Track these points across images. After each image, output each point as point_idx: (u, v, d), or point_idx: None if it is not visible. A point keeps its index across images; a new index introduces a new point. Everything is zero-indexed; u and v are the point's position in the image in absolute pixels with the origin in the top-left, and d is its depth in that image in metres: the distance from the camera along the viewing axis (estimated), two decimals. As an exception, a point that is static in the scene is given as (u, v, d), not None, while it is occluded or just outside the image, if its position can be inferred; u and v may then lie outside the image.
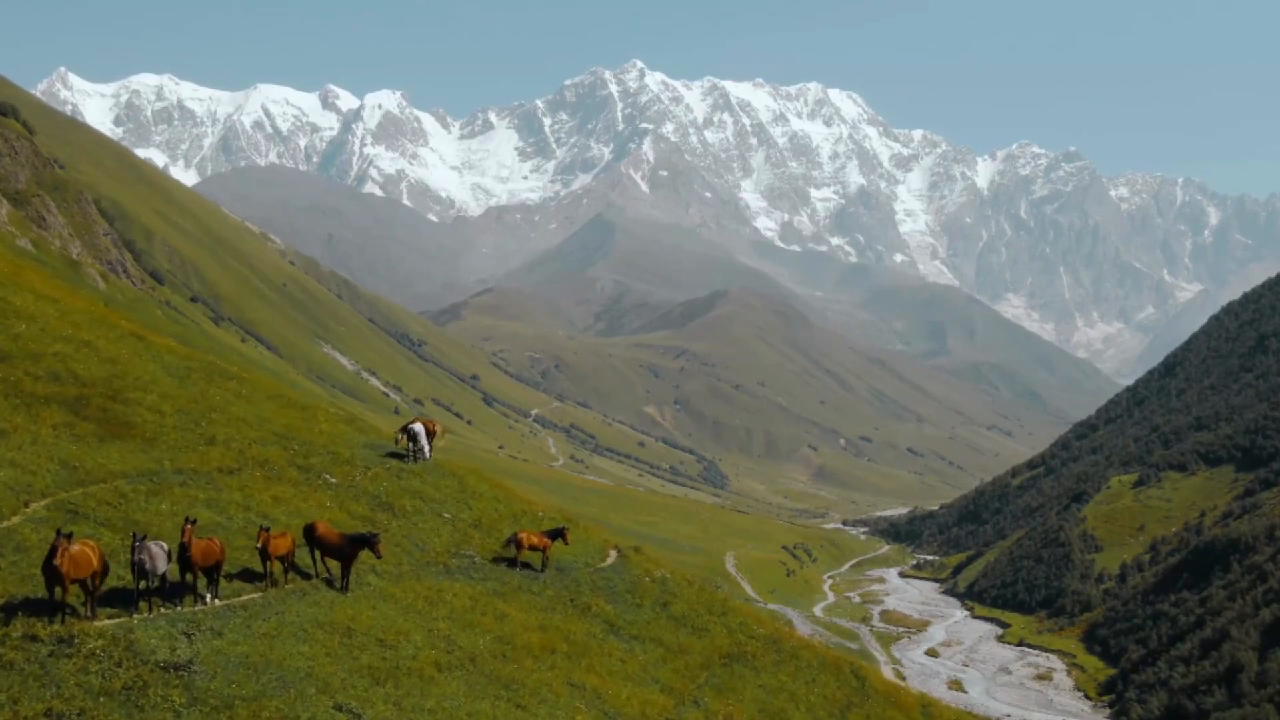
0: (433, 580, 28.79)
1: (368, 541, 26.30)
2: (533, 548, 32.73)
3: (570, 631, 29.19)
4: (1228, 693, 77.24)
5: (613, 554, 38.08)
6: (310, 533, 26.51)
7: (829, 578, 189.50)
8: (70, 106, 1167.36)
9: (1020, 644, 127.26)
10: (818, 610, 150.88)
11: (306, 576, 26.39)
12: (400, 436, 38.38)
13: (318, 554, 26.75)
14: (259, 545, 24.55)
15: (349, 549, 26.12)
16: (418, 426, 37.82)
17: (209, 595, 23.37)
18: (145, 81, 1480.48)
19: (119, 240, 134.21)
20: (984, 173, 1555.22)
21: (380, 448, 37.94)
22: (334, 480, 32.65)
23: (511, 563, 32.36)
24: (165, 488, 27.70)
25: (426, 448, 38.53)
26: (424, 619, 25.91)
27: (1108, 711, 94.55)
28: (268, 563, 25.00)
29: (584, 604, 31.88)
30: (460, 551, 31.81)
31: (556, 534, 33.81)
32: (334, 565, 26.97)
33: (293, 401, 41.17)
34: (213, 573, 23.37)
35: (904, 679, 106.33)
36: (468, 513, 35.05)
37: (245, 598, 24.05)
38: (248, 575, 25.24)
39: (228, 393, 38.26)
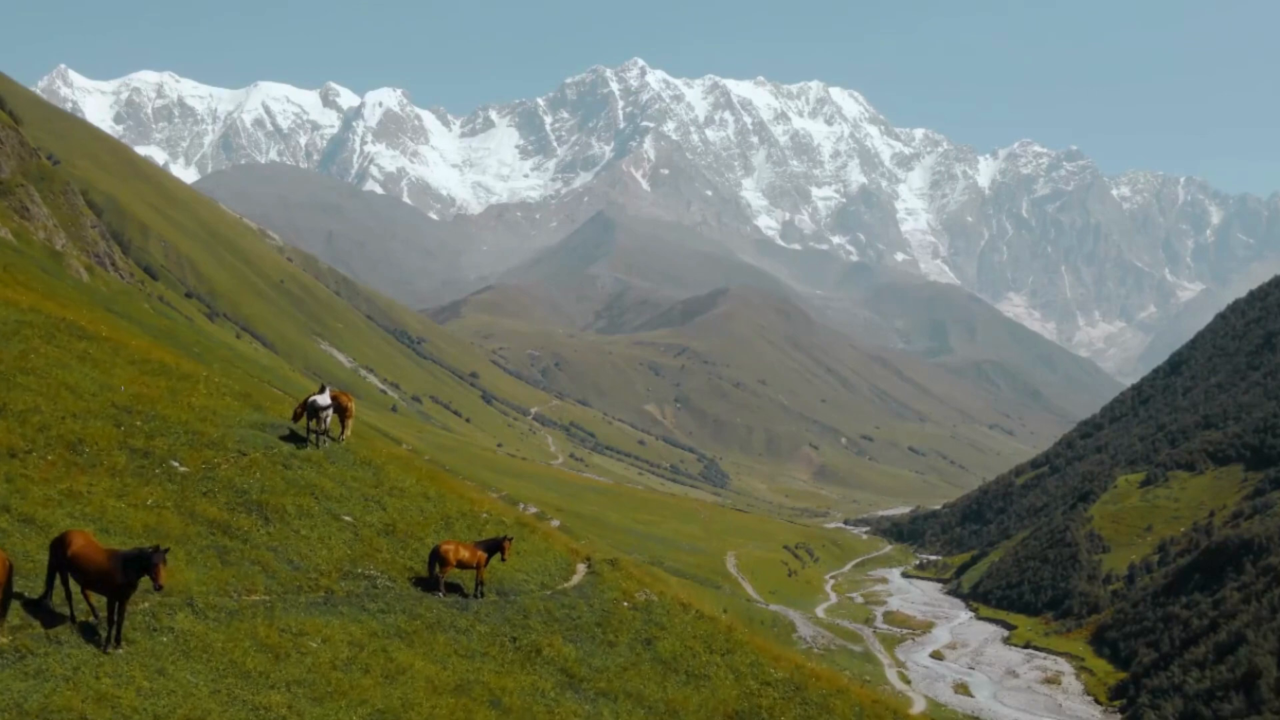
0: (297, 616, 19.99)
1: (145, 562, 16.90)
2: (461, 564, 24.32)
3: (503, 690, 20.41)
4: (1245, 699, 74.88)
5: (581, 569, 29.06)
6: (60, 550, 17.22)
7: (831, 578, 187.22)
8: (70, 104, 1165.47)
9: (1027, 646, 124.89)
10: (820, 611, 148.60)
11: (62, 620, 17.32)
12: (299, 412, 29.27)
13: (74, 583, 17.54)
14: None
15: (122, 575, 16.89)
16: (323, 399, 29.05)
17: None
18: (146, 79, 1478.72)
19: (107, 233, 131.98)
20: (985, 171, 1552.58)
21: (277, 429, 29.49)
22: (183, 469, 24.28)
23: (431, 585, 23.93)
24: None
25: (343, 428, 30.44)
26: (252, 688, 17.00)
27: (1120, 717, 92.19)
28: None
29: (531, 645, 23.00)
30: (356, 570, 23.13)
31: (494, 546, 25.16)
32: (101, 601, 17.69)
33: (166, 369, 32.63)
34: None
35: (909, 682, 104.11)
36: (378, 515, 26.40)
37: None
38: None
39: (69, 354, 29.75)
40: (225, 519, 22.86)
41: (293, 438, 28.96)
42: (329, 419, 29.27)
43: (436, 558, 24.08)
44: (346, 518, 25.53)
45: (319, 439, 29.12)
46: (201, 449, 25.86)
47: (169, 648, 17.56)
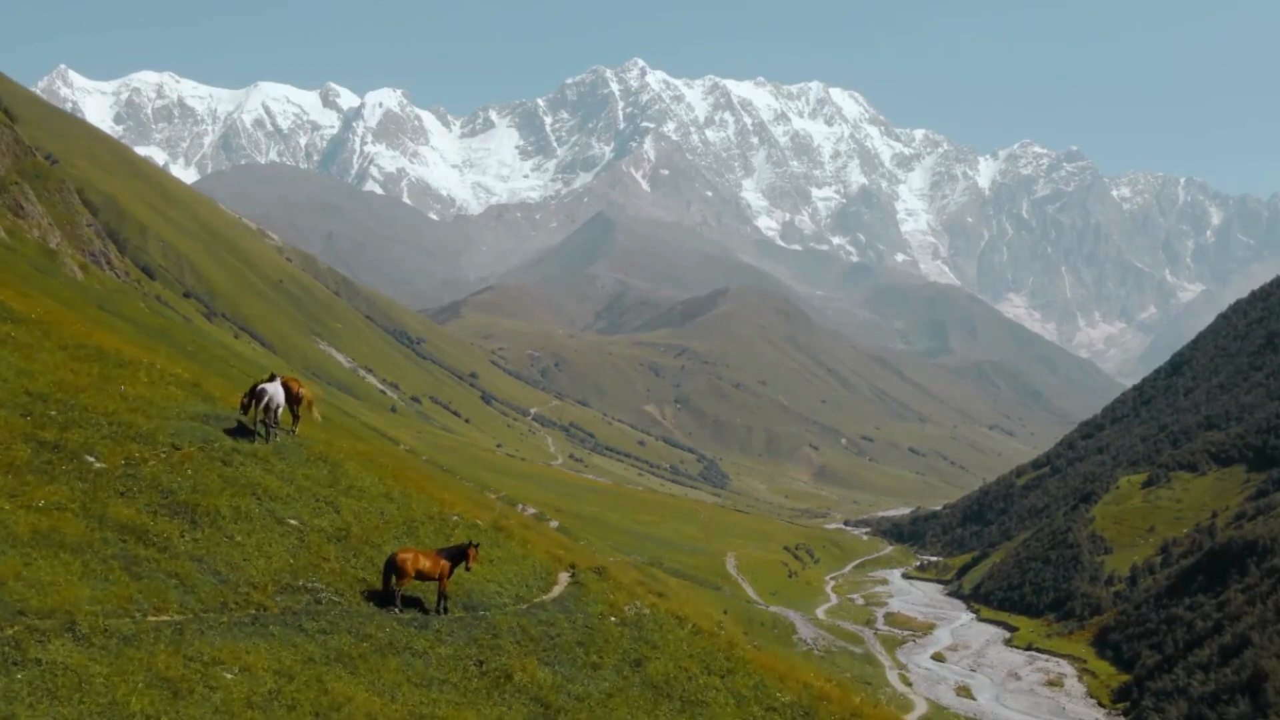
0: (213, 640, 16.71)
1: None
2: (421, 575, 21.29)
3: None
4: (1251, 703, 74.05)
5: (563, 579, 25.91)
6: None
7: (831, 579, 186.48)
8: (70, 104, 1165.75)
9: (1029, 648, 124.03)
10: (820, 612, 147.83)
11: None
12: (247, 402, 26.11)
13: None
14: None
15: None
16: (272, 387, 25.87)
17: None
18: (146, 79, 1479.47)
19: (103, 232, 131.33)
20: (986, 172, 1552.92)
21: (222, 421, 26.32)
22: (99, 465, 21.29)
23: (386, 599, 21.00)
24: None
25: (295, 419, 27.31)
26: None
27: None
28: None
29: (500, 669, 19.66)
30: (297, 583, 20.02)
31: (458, 554, 22.03)
32: None
33: (102, 354, 29.25)
34: None
35: (911, 684, 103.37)
36: (330, 518, 23.23)
37: None
38: None
39: None
40: (142, 523, 19.51)
41: (240, 431, 25.82)
42: (280, 409, 26.10)
43: (392, 568, 21.14)
44: (292, 521, 22.27)
45: (269, 431, 25.95)
46: (126, 442, 22.58)
47: (28, 686, 13.82)
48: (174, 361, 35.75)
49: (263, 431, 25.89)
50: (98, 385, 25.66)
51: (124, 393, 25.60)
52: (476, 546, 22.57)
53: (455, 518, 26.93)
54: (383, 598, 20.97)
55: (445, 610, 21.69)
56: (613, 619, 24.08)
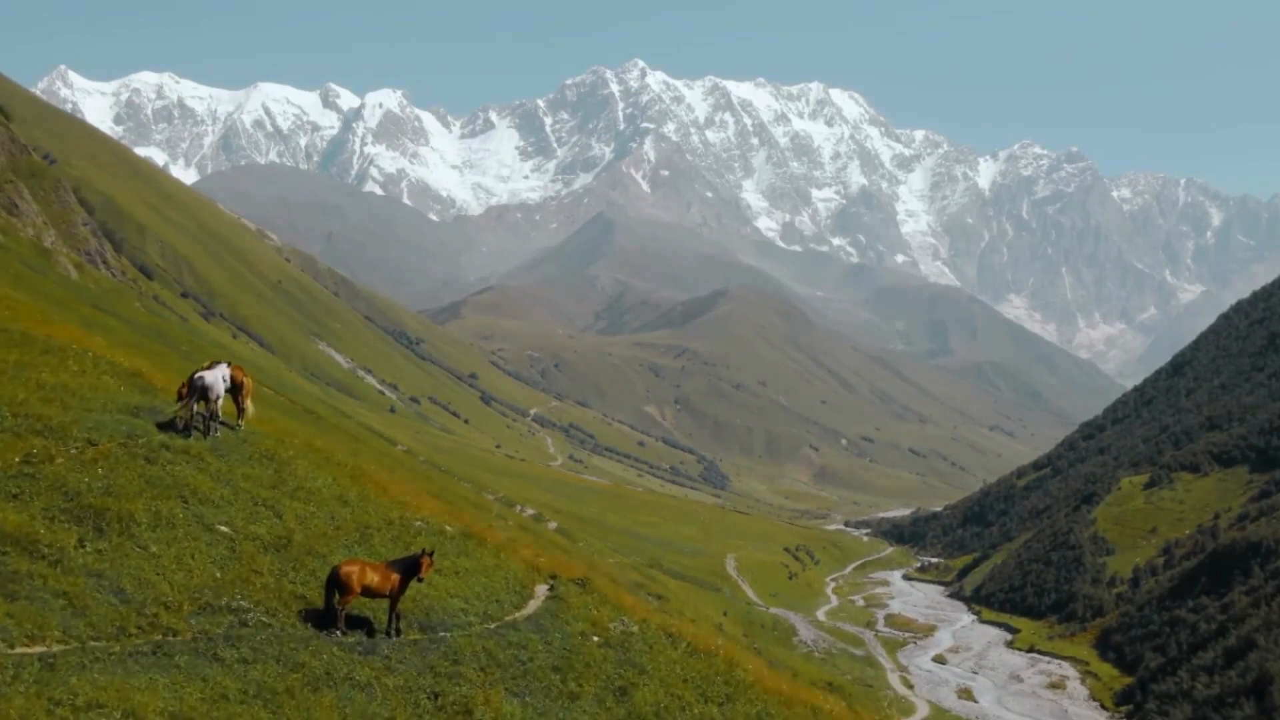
0: (96, 676, 13.41)
1: None
2: (369, 590, 18.18)
3: None
4: (1257, 706, 73.26)
5: (541, 592, 22.82)
6: None
7: (832, 580, 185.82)
8: (70, 105, 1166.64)
9: (1030, 650, 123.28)
10: (820, 614, 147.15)
11: None
12: (184, 392, 23.35)
13: None
14: None
15: None
16: (211, 376, 23.06)
17: None
18: (145, 80, 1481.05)
19: (99, 231, 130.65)
20: (986, 173, 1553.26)
21: (157, 414, 23.42)
22: None
23: (329, 619, 17.93)
24: None
25: (240, 411, 24.72)
26: None
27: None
28: None
29: (459, 702, 16.47)
30: (220, 601, 16.91)
31: (411, 565, 18.72)
32: None
33: (28, 339, 26.41)
34: None
35: (912, 687, 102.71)
36: (269, 524, 20.02)
37: None
38: None
39: None
40: (32, 531, 16.36)
41: (175, 424, 23.01)
42: (220, 399, 23.41)
43: (335, 582, 17.98)
44: (222, 528, 19.07)
45: (207, 425, 23.16)
46: (29, 437, 19.48)
47: None
48: (116, 349, 32.34)
49: (200, 425, 23.22)
50: (12, 373, 22.94)
51: (42, 382, 22.75)
52: (431, 554, 19.46)
53: (419, 523, 23.85)
54: (324, 618, 17.96)
55: (398, 632, 18.68)
56: (595, 639, 21.12)
